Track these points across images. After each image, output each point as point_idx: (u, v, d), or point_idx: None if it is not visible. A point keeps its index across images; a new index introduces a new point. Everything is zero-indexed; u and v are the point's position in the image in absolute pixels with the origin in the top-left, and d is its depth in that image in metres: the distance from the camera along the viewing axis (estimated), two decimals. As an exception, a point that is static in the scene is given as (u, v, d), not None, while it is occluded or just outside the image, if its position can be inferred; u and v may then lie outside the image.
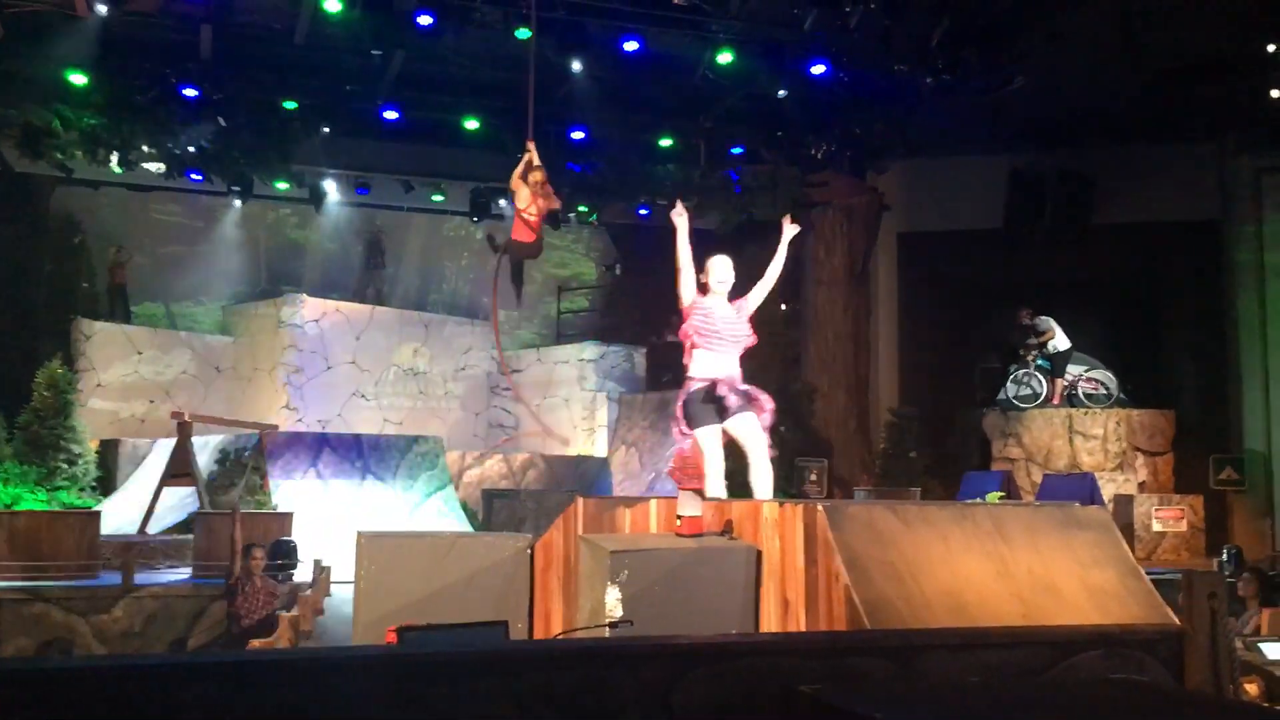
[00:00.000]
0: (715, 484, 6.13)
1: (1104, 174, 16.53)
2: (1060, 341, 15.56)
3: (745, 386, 6.38)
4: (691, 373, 6.36)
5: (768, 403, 6.39)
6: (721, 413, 6.22)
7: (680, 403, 6.32)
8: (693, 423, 6.21)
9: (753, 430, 6.29)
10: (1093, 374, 15.78)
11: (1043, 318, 15.59)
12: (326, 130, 16.06)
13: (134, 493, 15.55)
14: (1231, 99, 14.93)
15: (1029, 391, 15.81)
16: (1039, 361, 15.75)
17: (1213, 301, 16.36)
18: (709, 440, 6.19)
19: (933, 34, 13.82)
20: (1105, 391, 15.66)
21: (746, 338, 6.43)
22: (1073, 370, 15.78)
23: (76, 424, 15.37)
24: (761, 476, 6.25)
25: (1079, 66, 14.46)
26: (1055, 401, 15.68)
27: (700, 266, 6.47)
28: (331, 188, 18.32)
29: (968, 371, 17.09)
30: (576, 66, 14.36)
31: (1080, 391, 15.66)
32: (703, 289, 6.45)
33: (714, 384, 6.25)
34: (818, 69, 14.55)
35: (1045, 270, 16.33)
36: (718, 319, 6.37)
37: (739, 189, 17.40)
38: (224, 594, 10.33)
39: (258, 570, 10.26)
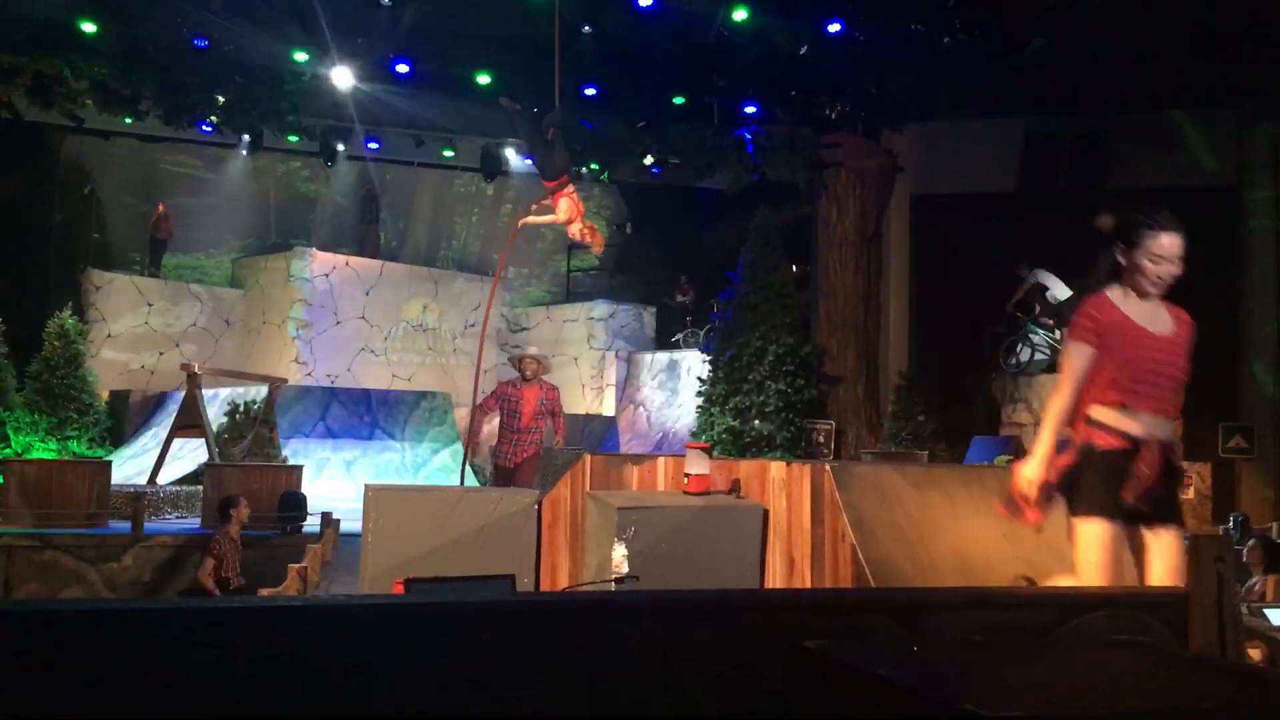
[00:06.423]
0: None
1: (1120, 138, 16.37)
2: (1059, 291, 15.31)
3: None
4: (1097, 417, 3.72)
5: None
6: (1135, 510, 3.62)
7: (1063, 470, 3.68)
8: (1081, 506, 3.64)
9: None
10: None
11: (1038, 270, 15.40)
12: (337, 83, 15.95)
13: (143, 443, 15.66)
14: (1251, 65, 14.74)
15: (1013, 361, 15.72)
16: (1029, 327, 15.63)
17: (1226, 268, 16.23)
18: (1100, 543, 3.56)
19: (951, -7, 13.67)
20: None
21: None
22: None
23: (87, 374, 15.47)
24: None
25: (1097, 29, 14.28)
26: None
27: (1132, 233, 3.69)
28: (342, 141, 18.23)
29: (977, 335, 17.01)
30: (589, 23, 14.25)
31: None
32: (1114, 272, 3.74)
33: (1135, 446, 3.66)
34: (834, 27, 14.41)
35: (1059, 234, 16.16)
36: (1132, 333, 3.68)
37: (751, 148, 17.27)
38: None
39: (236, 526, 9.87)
